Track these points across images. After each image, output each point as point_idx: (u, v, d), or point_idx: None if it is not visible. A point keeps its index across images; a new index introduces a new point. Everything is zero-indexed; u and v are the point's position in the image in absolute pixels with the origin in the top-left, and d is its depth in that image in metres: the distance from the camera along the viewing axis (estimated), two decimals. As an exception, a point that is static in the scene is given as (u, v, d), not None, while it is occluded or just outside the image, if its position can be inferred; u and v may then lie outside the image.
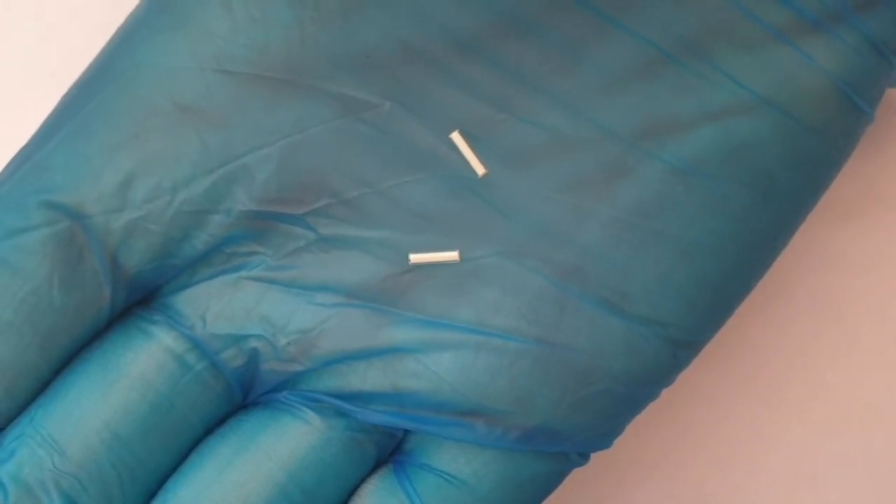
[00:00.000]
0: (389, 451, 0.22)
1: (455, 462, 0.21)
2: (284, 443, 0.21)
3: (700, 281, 0.21)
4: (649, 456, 0.27)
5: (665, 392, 0.26)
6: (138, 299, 0.21)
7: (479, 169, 0.20)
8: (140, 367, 0.21)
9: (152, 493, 0.21)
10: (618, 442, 0.26)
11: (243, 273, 0.21)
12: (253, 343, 0.21)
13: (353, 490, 0.21)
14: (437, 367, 0.21)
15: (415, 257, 0.21)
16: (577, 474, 0.26)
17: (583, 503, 0.27)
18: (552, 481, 0.22)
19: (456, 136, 0.20)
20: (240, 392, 0.21)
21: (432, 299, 0.21)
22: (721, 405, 0.27)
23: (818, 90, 0.20)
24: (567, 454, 0.22)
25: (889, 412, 0.27)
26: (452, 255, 0.21)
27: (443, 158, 0.21)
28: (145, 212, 0.20)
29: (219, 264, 0.21)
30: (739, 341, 0.27)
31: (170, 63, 0.20)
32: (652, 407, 0.26)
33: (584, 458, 0.22)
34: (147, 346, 0.21)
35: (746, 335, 0.27)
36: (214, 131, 0.20)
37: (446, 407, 0.21)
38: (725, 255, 0.21)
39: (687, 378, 0.26)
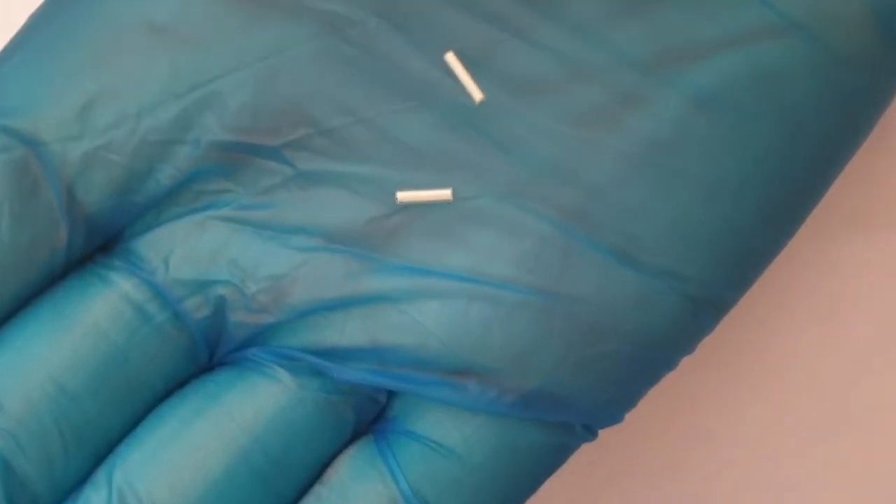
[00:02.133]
0: (371, 418, 0.20)
1: (442, 428, 0.19)
2: (250, 403, 0.19)
3: (723, 227, 0.19)
4: (649, 456, 0.26)
5: (665, 392, 0.25)
6: (100, 244, 0.19)
7: (477, 94, 0.18)
8: (94, 315, 0.19)
9: (101, 459, 0.19)
10: (617, 442, 0.25)
11: (211, 212, 0.19)
12: (219, 290, 0.19)
13: (328, 460, 0.19)
14: (424, 318, 0.19)
15: (402, 195, 0.19)
16: (575, 474, 0.25)
17: (581, 503, 0.26)
18: (554, 456, 0.19)
19: (450, 58, 0.18)
20: (205, 348, 0.19)
21: (421, 244, 0.19)
22: (721, 405, 0.26)
23: (852, 15, 0.18)
24: (572, 425, 0.19)
25: (889, 413, 0.26)
26: (445, 194, 0.19)
27: (436, 84, 0.19)
28: (106, 140, 0.18)
29: (186, 203, 0.19)
30: (739, 341, 0.26)
31: None
32: (651, 407, 0.25)
33: (590, 433, 0.20)
34: (104, 292, 0.19)
35: (746, 335, 0.26)
36: (187, 53, 0.18)
37: (433, 364, 0.19)
38: (751, 198, 0.19)
39: (686, 378, 0.25)
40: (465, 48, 0.19)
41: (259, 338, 0.19)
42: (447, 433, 0.19)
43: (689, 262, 0.19)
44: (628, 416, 0.24)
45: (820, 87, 0.19)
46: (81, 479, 0.18)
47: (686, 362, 0.25)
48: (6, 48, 0.19)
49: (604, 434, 0.25)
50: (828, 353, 0.26)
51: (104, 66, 0.19)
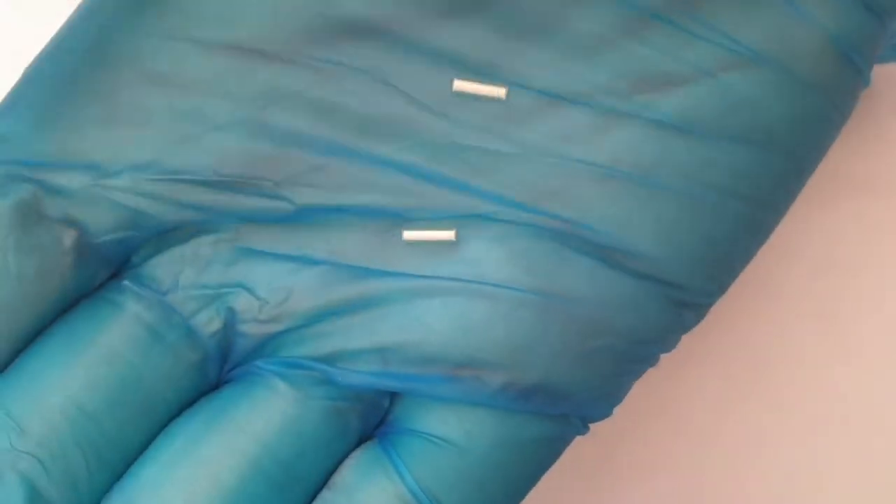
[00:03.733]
0: (375, 423, 0.20)
1: (444, 423, 0.19)
2: (257, 415, 0.19)
3: (704, 240, 0.20)
4: (649, 456, 0.26)
5: (665, 392, 0.26)
6: (107, 275, 0.20)
7: (501, 91, 0.19)
8: (108, 337, 0.19)
9: (121, 476, 0.19)
10: (617, 442, 0.26)
11: (217, 236, 0.20)
12: (229, 303, 0.20)
13: (336, 464, 0.20)
14: (426, 316, 0.19)
15: (408, 235, 0.20)
16: (576, 474, 0.26)
17: (581, 503, 0.26)
18: (553, 447, 0.20)
19: (458, 84, 0.20)
20: (217, 361, 0.20)
21: (420, 257, 0.20)
22: (721, 405, 0.27)
23: (814, 45, 0.20)
24: (568, 417, 0.20)
25: (889, 413, 0.27)
26: (448, 235, 0.20)
27: (425, 124, 0.20)
28: (110, 182, 0.19)
29: (191, 229, 0.20)
30: (739, 341, 0.27)
31: (139, 31, 0.19)
32: (652, 407, 0.26)
33: (584, 424, 0.21)
34: (116, 316, 0.20)
35: (747, 335, 0.27)
36: (183, 100, 0.19)
37: (435, 360, 0.19)
38: (727, 212, 0.20)
39: (687, 378, 0.27)
40: (449, 93, 0.20)
41: (265, 349, 0.20)
42: (449, 428, 0.19)
43: (671, 271, 0.20)
44: (625, 412, 0.24)
45: (788, 111, 0.20)
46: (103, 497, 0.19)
47: (683, 360, 0.26)
48: (9, 96, 0.20)
49: (601, 429, 0.24)
50: (828, 351, 0.27)
51: (105, 112, 0.19)
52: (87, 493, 0.19)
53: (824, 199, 0.27)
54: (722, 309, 0.26)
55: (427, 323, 0.19)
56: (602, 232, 0.20)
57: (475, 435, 0.19)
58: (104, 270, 0.20)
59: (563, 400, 0.20)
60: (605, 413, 0.21)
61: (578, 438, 0.21)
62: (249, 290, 0.20)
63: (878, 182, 0.27)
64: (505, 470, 0.20)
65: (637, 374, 0.21)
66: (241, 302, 0.20)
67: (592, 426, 0.21)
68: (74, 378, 0.19)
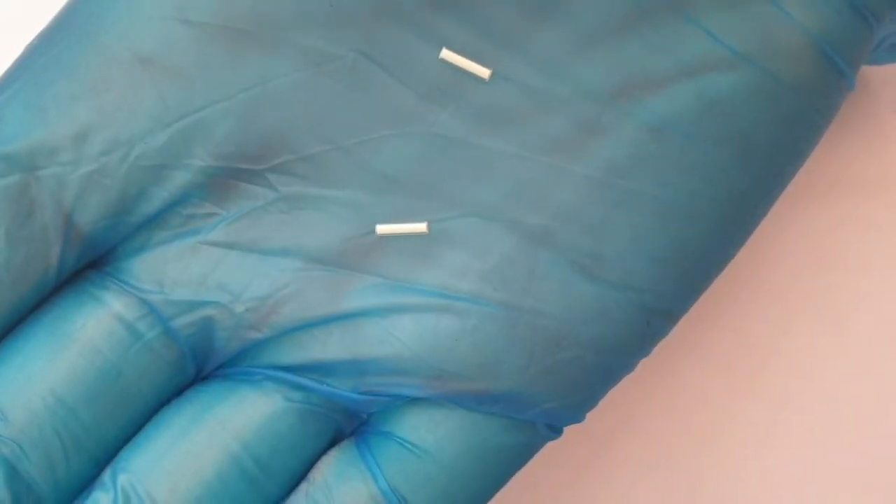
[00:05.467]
0: (352, 424, 0.21)
1: (417, 430, 0.20)
2: (239, 413, 0.20)
3: (676, 244, 0.20)
4: (647, 456, 0.26)
5: (665, 392, 0.26)
6: (92, 260, 0.20)
7: (483, 72, 0.20)
8: (89, 333, 0.20)
9: (100, 463, 0.20)
10: (615, 441, 0.26)
11: (201, 237, 0.20)
12: (210, 310, 0.20)
13: (311, 462, 0.20)
14: (398, 332, 0.20)
15: (381, 228, 0.20)
16: (574, 473, 0.26)
17: (580, 502, 0.26)
18: (520, 454, 0.21)
19: (447, 54, 0.20)
20: (192, 361, 0.21)
21: (395, 262, 0.20)
22: (720, 405, 0.27)
23: (796, 47, 0.20)
24: (535, 425, 0.21)
25: (887, 410, 0.27)
26: (420, 227, 0.20)
27: (410, 114, 0.20)
28: (100, 165, 0.20)
29: (176, 227, 0.20)
30: (739, 341, 0.27)
31: (132, 13, 0.20)
32: (652, 407, 0.26)
33: (554, 431, 0.21)
34: (97, 312, 0.20)
35: (744, 334, 0.27)
36: (173, 84, 0.20)
37: (408, 373, 0.20)
38: (702, 217, 0.20)
39: (686, 378, 0.27)
40: (438, 81, 0.20)
41: (248, 354, 0.21)
42: (422, 435, 0.20)
43: (644, 277, 0.20)
44: (624, 410, 0.25)
45: (767, 113, 0.20)
46: (82, 481, 0.20)
47: (683, 359, 0.26)
48: (3, 79, 0.20)
49: (601, 428, 0.25)
50: (828, 351, 0.27)
51: (96, 96, 0.19)
52: (65, 476, 0.20)
53: (823, 198, 0.27)
54: (720, 308, 0.26)
55: (399, 338, 0.20)
56: (577, 238, 0.20)
57: (445, 443, 0.20)
58: (89, 256, 0.20)
59: (530, 408, 0.20)
60: (576, 420, 0.21)
61: (578, 438, 0.21)
62: (229, 300, 0.20)
63: (877, 181, 0.27)
64: (471, 476, 0.20)
65: (610, 383, 0.21)
66: (220, 311, 0.20)
67: (590, 425, 0.22)
68: (56, 372, 0.20)
